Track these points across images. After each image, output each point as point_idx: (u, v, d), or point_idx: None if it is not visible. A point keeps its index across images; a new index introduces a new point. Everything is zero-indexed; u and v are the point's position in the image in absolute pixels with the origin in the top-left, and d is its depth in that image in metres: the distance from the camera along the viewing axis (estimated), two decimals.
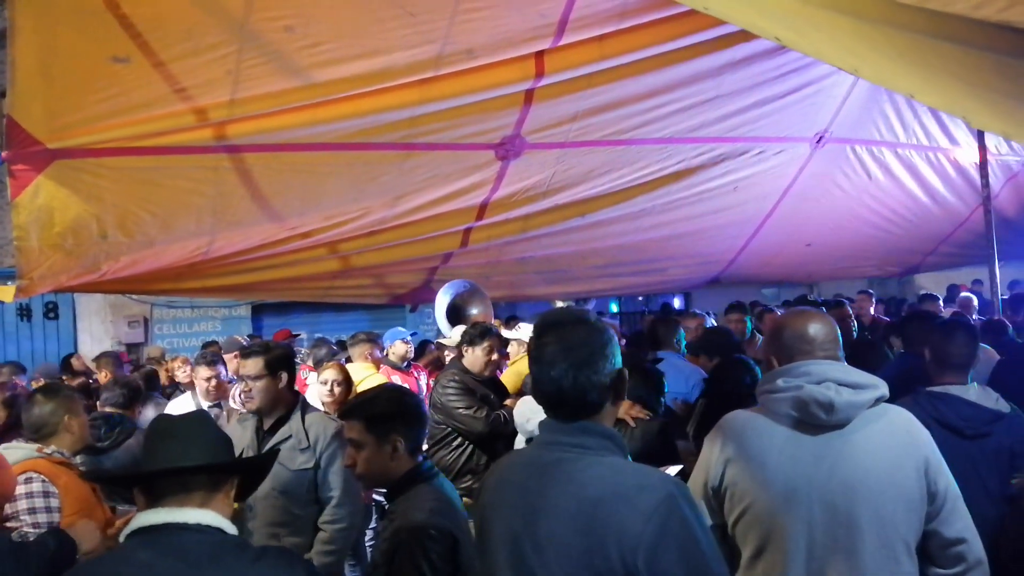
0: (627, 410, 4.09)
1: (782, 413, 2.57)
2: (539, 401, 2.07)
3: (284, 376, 4.08)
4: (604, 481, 1.91)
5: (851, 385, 2.50)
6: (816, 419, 2.50)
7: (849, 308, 6.12)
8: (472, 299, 6.92)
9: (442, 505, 2.78)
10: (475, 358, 5.42)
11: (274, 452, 3.41)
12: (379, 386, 4.63)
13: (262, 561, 2.11)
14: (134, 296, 11.29)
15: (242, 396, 4.10)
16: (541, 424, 2.10)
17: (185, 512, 2.10)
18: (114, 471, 3.73)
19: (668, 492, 1.86)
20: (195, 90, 4.60)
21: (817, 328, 2.63)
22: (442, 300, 6.80)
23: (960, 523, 2.49)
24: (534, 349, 2.04)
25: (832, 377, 2.50)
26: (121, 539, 2.12)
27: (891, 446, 2.48)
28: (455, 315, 6.75)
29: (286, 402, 4.10)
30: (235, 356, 6.47)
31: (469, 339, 5.44)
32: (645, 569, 1.80)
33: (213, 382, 5.89)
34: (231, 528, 2.16)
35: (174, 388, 7.31)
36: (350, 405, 3.20)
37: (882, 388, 2.54)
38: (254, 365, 4.02)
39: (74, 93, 4.46)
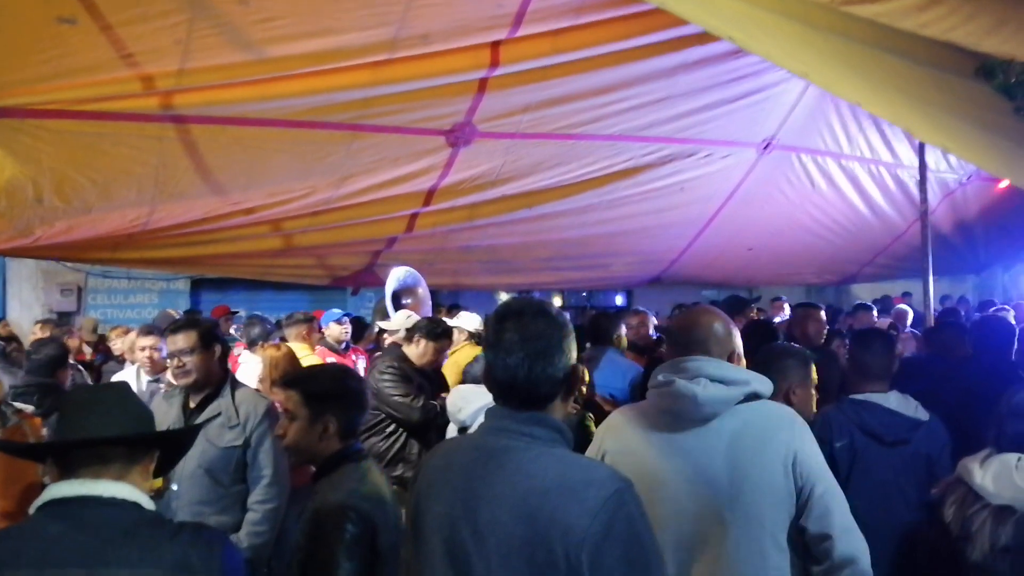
0: None
1: (657, 407, 2.64)
2: (491, 387, 2.06)
3: (217, 349, 4.01)
4: (552, 473, 1.90)
5: (721, 380, 2.54)
6: (684, 413, 2.55)
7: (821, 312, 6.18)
8: (409, 291, 6.92)
9: (365, 488, 2.75)
10: (423, 351, 5.41)
11: (197, 426, 3.36)
12: (328, 364, 4.59)
13: (179, 537, 2.05)
14: (68, 263, 11.05)
15: (175, 372, 4.01)
16: (489, 411, 2.09)
17: (100, 484, 2.04)
18: (26, 443, 3.62)
19: (616, 488, 1.86)
20: (143, 57, 4.49)
21: (701, 326, 2.69)
22: (389, 286, 6.78)
23: (828, 519, 2.51)
24: (492, 335, 2.03)
25: (705, 372, 2.55)
26: (31, 512, 2.05)
27: (757, 440, 2.51)
28: (395, 300, 6.75)
29: (217, 378, 4.03)
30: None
31: (427, 333, 5.41)
32: (588, 565, 1.79)
33: (156, 354, 5.77)
34: (148, 503, 2.10)
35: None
36: (293, 375, 3.18)
37: (756, 384, 2.59)
38: (187, 339, 3.94)
39: (16, 52, 4.31)
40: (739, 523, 2.47)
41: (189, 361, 3.93)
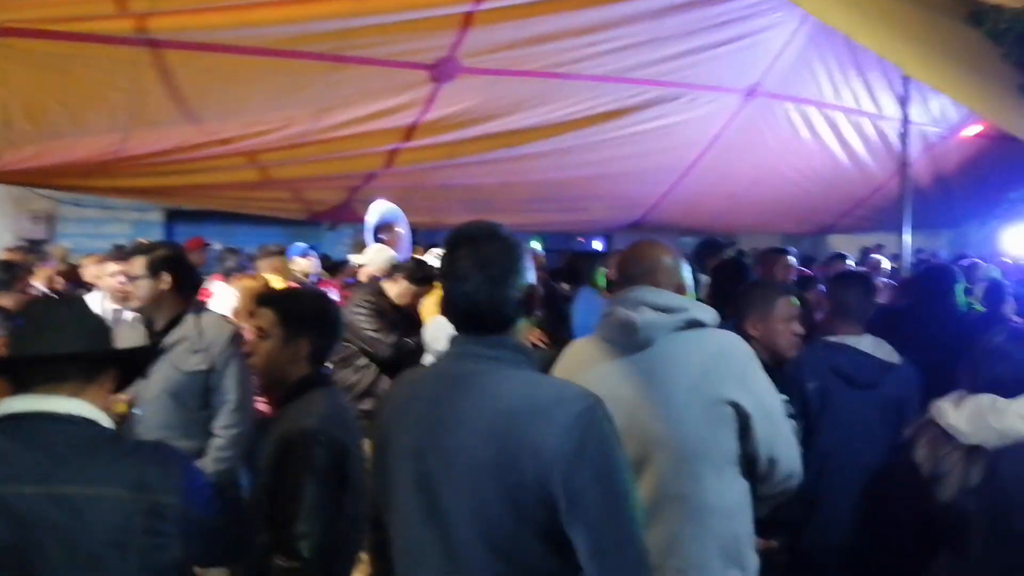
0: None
1: (604, 337, 2.68)
2: (450, 317, 2.03)
3: (166, 277, 3.98)
4: (520, 394, 1.88)
5: (661, 308, 2.56)
6: (623, 339, 2.58)
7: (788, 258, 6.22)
8: (386, 227, 6.87)
9: (333, 412, 2.73)
10: (402, 291, 5.38)
11: (153, 346, 3.30)
12: (307, 288, 4.55)
13: (137, 455, 2.01)
14: (39, 190, 10.86)
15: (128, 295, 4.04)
16: (452, 338, 2.06)
17: (54, 400, 1.97)
18: None
19: (587, 405, 1.85)
20: None
21: (644, 258, 2.73)
22: (371, 219, 6.73)
23: (773, 443, 2.56)
24: (446, 264, 2.00)
25: (646, 301, 2.57)
26: None
27: (694, 365, 2.52)
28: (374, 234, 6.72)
29: (174, 304, 4.02)
30: None
31: (408, 274, 5.38)
32: (561, 483, 1.78)
33: (123, 279, 5.67)
34: (106, 420, 2.04)
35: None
36: (269, 294, 3.13)
37: (695, 312, 2.60)
38: (136, 265, 3.98)
39: None
40: (674, 446, 2.49)
41: (136, 286, 3.98)
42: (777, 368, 3.35)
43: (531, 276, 2.01)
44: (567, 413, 1.82)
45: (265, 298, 3.03)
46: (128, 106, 5.47)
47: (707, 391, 2.50)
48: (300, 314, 2.87)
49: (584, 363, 2.70)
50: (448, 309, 2.03)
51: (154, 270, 3.96)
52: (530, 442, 1.81)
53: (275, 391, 2.93)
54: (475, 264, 1.94)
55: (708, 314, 2.63)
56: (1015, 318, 5.86)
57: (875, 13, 3.68)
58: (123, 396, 3.83)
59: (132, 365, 2.31)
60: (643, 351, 2.56)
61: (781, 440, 2.60)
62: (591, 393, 1.91)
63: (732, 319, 3.47)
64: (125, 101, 5.42)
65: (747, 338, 3.27)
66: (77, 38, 4.72)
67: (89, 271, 7.11)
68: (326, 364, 2.97)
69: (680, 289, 2.70)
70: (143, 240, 8.10)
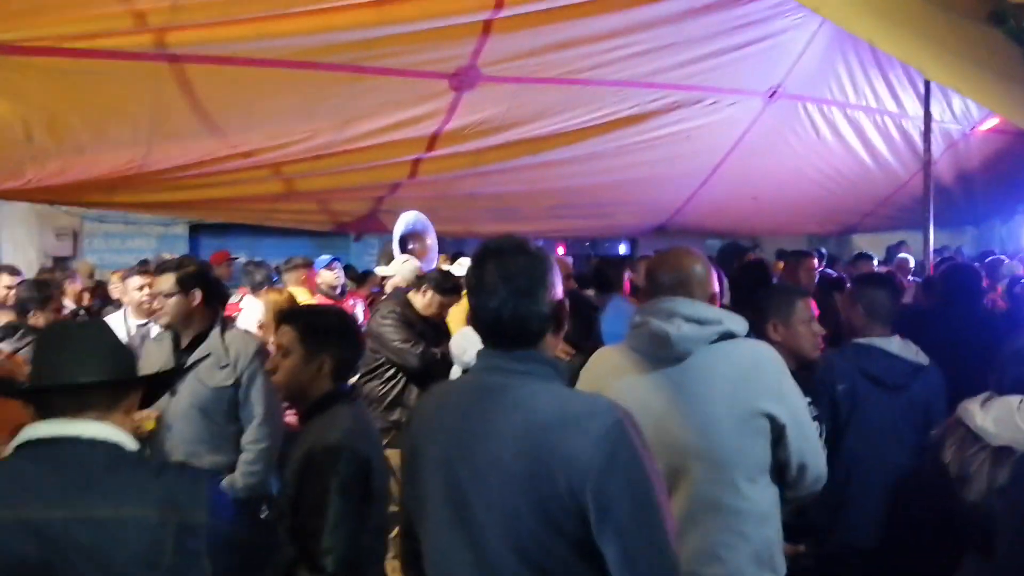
0: None
1: (634, 347, 2.64)
2: (478, 331, 2.02)
3: (197, 293, 3.99)
4: (551, 406, 1.87)
5: (696, 320, 2.53)
6: (657, 352, 2.55)
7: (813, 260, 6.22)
8: (415, 236, 6.87)
9: (359, 427, 2.73)
10: (428, 302, 5.38)
11: (177, 369, 3.31)
12: (326, 304, 4.57)
13: (163, 475, 1.99)
14: (63, 207, 10.94)
15: (157, 312, 4.04)
16: (480, 352, 2.04)
17: (79, 425, 1.96)
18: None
19: (617, 418, 1.83)
20: None
21: (677, 267, 2.68)
22: (398, 229, 6.73)
23: (803, 452, 2.55)
24: (473, 278, 1.98)
25: (680, 312, 2.53)
26: (7, 452, 1.98)
27: (728, 377, 2.50)
28: (402, 244, 6.71)
29: (202, 320, 4.03)
30: None
31: (435, 285, 5.38)
32: (592, 495, 1.77)
33: (146, 291, 5.70)
34: (131, 443, 2.03)
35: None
36: (291, 311, 3.14)
37: (728, 323, 2.56)
38: (166, 281, 3.96)
39: None
40: (710, 457, 2.47)
41: (167, 304, 3.95)
42: (799, 370, 3.33)
43: (559, 291, 1.99)
44: (599, 425, 1.81)
45: (286, 315, 3.02)
46: (150, 120, 5.50)
47: (742, 403, 2.48)
48: (321, 331, 2.86)
49: (613, 373, 2.68)
50: (476, 322, 2.01)
51: (185, 287, 3.96)
52: (562, 454, 1.79)
53: (298, 406, 2.94)
54: (502, 278, 1.92)
55: (740, 325, 2.61)
56: None
57: (895, 17, 3.64)
58: (152, 412, 3.86)
59: (157, 385, 2.32)
60: (677, 363, 2.54)
61: (810, 447, 2.60)
62: (620, 406, 1.90)
63: (752, 324, 3.45)
64: (147, 115, 5.46)
65: (769, 342, 3.28)
66: (97, 54, 4.76)
67: (115, 287, 7.15)
68: (347, 379, 2.97)
69: (712, 299, 2.67)
70: (167, 255, 8.15)
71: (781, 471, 2.58)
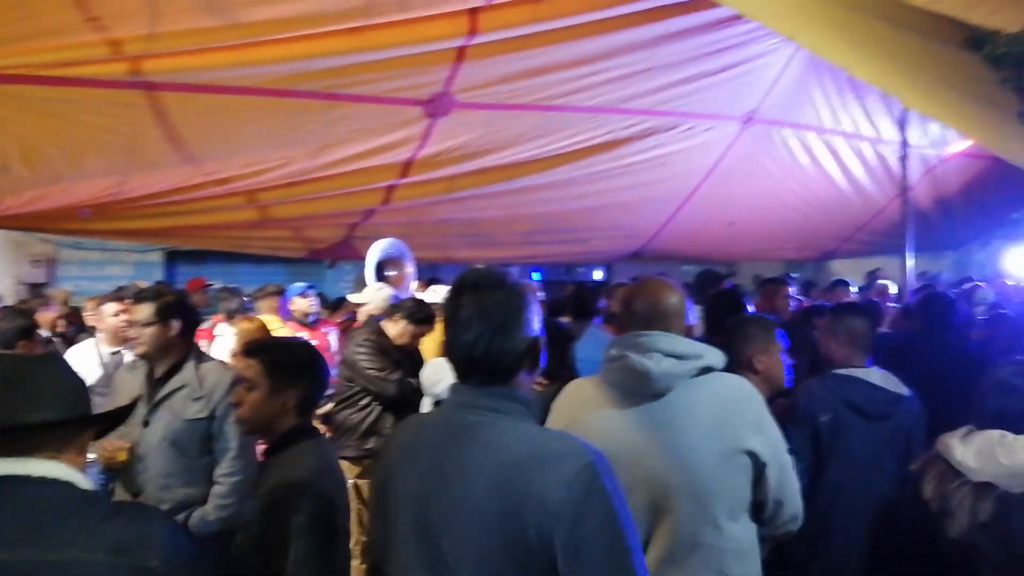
0: None
1: (610, 382, 2.62)
2: (452, 364, 1.99)
3: (175, 324, 3.92)
4: (523, 446, 1.83)
5: (675, 355, 2.51)
6: (637, 388, 2.53)
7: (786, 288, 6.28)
8: (393, 262, 6.85)
9: (322, 465, 2.68)
10: (401, 332, 5.35)
11: (131, 405, 3.23)
12: (294, 337, 4.52)
13: (115, 519, 1.91)
14: (39, 234, 10.86)
15: (133, 342, 3.97)
16: (452, 386, 2.01)
17: (30, 463, 1.90)
18: None
19: (589, 460, 1.80)
20: (110, 20, 4.32)
21: (654, 299, 2.66)
22: (373, 256, 6.70)
23: (781, 488, 2.55)
24: (448, 311, 1.96)
25: (659, 348, 2.51)
26: None
27: (710, 413, 2.49)
28: (376, 272, 6.69)
29: (178, 350, 3.96)
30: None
31: (408, 315, 5.34)
32: (562, 539, 1.73)
33: (122, 317, 5.63)
34: (84, 482, 1.96)
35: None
36: (257, 344, 3.08)
37: (709, 358, 2.55)
38: (144, 310, 3.88)
39: None
40: (692, 496, 2.45)
41: (144, 333, 3.88)
42: (772, 399, 3.33)
43: (537, 327, 1.96)
44: (571, 466, 1.78)
45: (251, 348, 2.96)
46: (125, 148, 5.48)
47: (724, 440, 2.47)
48: (288, 365, 2.82)
49: (589, 408, 2.64)
50: (449, 356, 1.99)
51: (163, 316, 3.89)
52: (533, 495, 1.76)
53: (263, 440, 2.89)
54: (477, 313, 1.90)
55: (718, 358, 2.59)
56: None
57: (871, 44, 3.65)
58: (125, 443, 3.80)
59: (113, 420, 2.25)
60: (659, 399, 2.52)
61: (788, 485, 2.59)
62: (593, 448, 1.87)
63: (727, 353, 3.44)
64: (122, 144, 5.43)
65: (750, 372, 3.28)
66: (72, 83, 4.74)
67: (91, 314, 7.08)
68: (311, 414, 2.93)
69: (688, 331, 2.66)
70: (142, 283, 8.09)
71: (758, 508, 2.57)
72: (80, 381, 2.09)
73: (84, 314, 7.37)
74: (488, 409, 1.91)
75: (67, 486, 1.91)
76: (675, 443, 2.47)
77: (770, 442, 2.52)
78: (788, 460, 2.61)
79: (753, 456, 2.48)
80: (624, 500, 1.84)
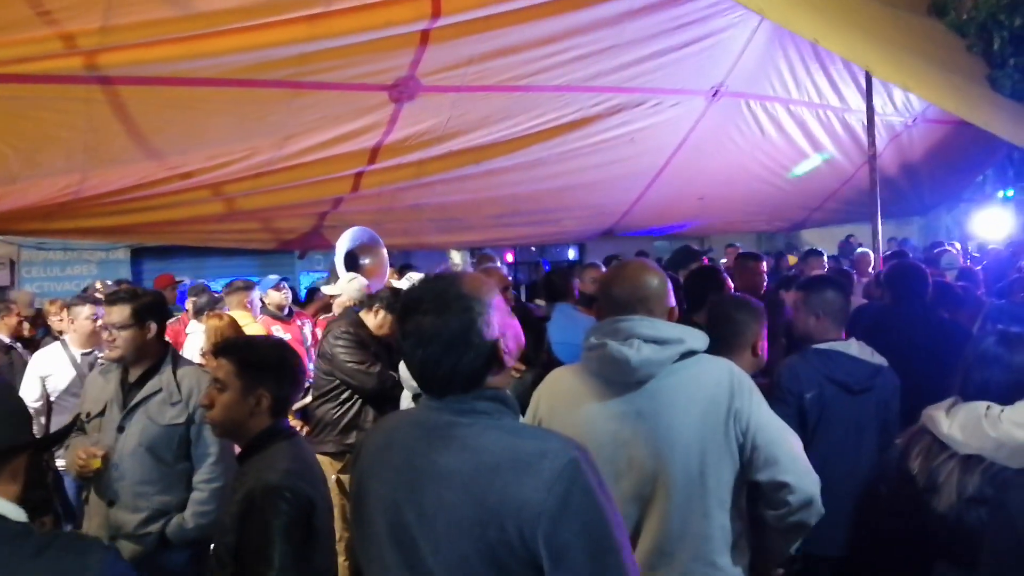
0: None
1: (592, 371, 2.56)
2: (414, 379, 1.93)
3: (152, 326, 3.83)
4: (501, 446, 1.78)
5: (655, 341, 2.45)
6: (618, 376, 2.48)
7: (762, 264, 6.31)
8: (368, 249, 6.78)
9: (299, 466, 2.63)
10: (381, 322, 5.28)
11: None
12: (265, 335, 4.45)
13: (46, 553, 1.80)
14: None
15: (107, 345, 3.86)
16: (422, 398, 1.96)
17: None
18: None
19: (571, 458, 1.74)
20: (61, 14, 4.20)
21: (633, 282, 2.59)
22: (342, 246, 6.62)
23: (777, 467, 2.47)
24: (400, 328, 1.89)
25: (638, 333, 2.46)
26: None
27: (695, 399, 2.45)
28: (351, 262, 6.60)
29: (154, 353, 3.87)
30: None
31: (387, 305, 5.27)
32: (545, 541, 1.68)
33: (98, 321, 5.55)
34: (14, 513, 1.85)
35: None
36: (227, 343, 3.02)
37: (691, 341, 2.50)
38: (120, 313, 3.77)
39: None
40: (680, 484, 2.41)
41: (120, 336, 3.78)
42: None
43: (496, 330, 1.87)
44: (550, 467, 1.72)
45: (222, 348, 2.91)
46: (84, 145, 5.34)
47: (710, 425, 2.43)
48: (260, 363, 2.76)
49: (572, 399, 2.59)
50: (410, 371, 1.92)
51: (140, 319, 3.79)
52: (512, 498, 1.71)
53: (236, 442, 2.83)
54: (432, 328, 1.82)
55: (701, 341, 2.54)
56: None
57: (839, 16, 3.65)
58: (99, 450, 3.72)
59: (52, 442, 2.16)
60: (641, 387, 2.47)
61: (791, 466, 2.50)
62: (575, 444, 1.81)
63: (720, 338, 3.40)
64: (81, 140, 5.29)
65: (752, 355, 3.26)
66: (25, 80, 4.61)
67: (55, 317, 6.96)
68: (286, 413, 2.87)
69: (670, 314, 2.59)
70: (108, 282, 7.97)
71: (762, 494, 2.51)
72: (7, 408, 1.97)
73: (49, 317, 7.24)
74: (462, 410, 1.86)
75: None
76: (660, 431, 2.43)
77: (756, 421, 2.47)
78: (789, 441, 2.53)
79: (742, 440, 2.45)
80: (610, 496, 1.79)
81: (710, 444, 2.42)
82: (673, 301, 2.64)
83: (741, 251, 7.85)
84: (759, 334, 3.34)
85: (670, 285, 2.65)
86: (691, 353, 2.50)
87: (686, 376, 2.47)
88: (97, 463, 3.70)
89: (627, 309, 2.54)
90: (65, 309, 6.41)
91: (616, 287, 2.61)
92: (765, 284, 6.33)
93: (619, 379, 2.48)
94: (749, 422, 2.46)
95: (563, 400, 2.62)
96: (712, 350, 2.60)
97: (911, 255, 9.70)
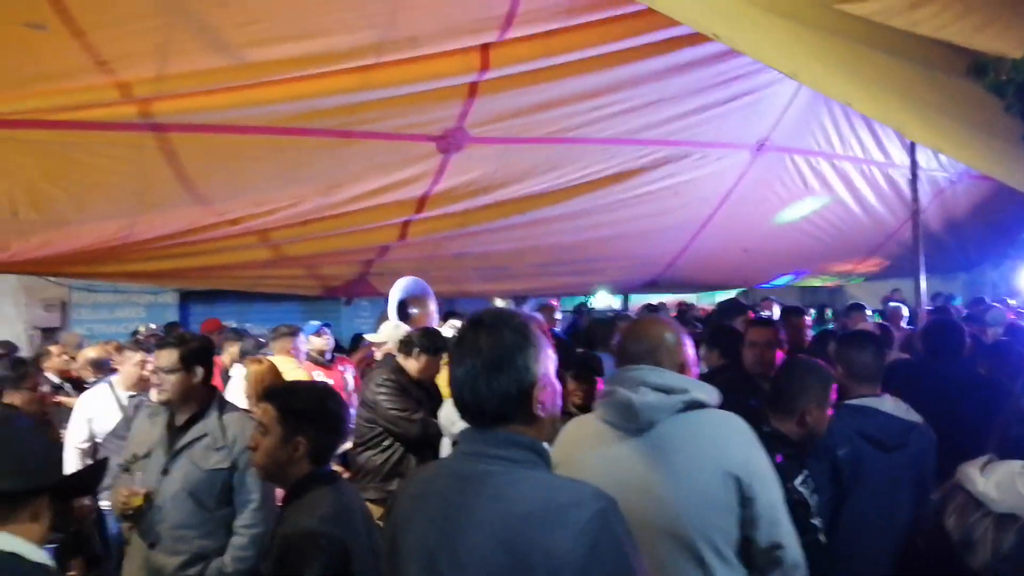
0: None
1: (602, 418, 2.62)
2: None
3: (199, 371, 3.88)
4: (533, 496, 1.81)
5: (662, 389, 2.49)
6: (624, 422, 2.52)
7: (806, 318, 6.27)
8: (417, 300, 6.83)
9: (336, 512, 2.64)
10: (424, 366, 5.29)
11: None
12: (311, 382, 4.48)
13: None
14: (51, 278, 10.86)
15: (156, 389, 3.92)
16: (462, 433, 1.99)
17: None
18: None
19: (599, 508, 1.77)
20: (118, 63, 4.29)
21: (646, 336, 2.66)
22: (394, 295, 6.68)
23: (776, 529, 2.48)
24: (453, 347, 1.96)
25: (646, 381, 2.50)
26: None
27: (694, 450, 2.46)
28: (401, 311, 6.65)
29: (200, 398, 3.91)
30: None
31: (421, 347, 5.28)
32: None
33: (148, 367, 5.62)
34: (33, 553, 1.86)
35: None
36: (272, 389, 3.07)
37: (696, 392, 2.53)
38: (168, 357, 3.83)
39: None
40: (679, 536, 2.42)
41: (167, 380, 3.83)
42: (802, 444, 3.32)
43: (539, 369, 1.90)
44: (579, 517, 1.75)
45: (267, 392, 2.97)
46: (134, 191, 5.45)
47: (708, 476, 2.43)
48: (300, 410, 2.79)
49: (582, 445, 2.65)
50: (451, 390, 1.97)
51: (187, 364, 3.85)
52: (542, 546, 1.73)
53: (280, 486, 2.85)
54: (472, 350, 1.89)
55: (709, 394, 2.57)
56: None
57: (873, 78, 3.63)
58: (140, 489, 3.75)
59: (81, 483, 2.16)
60: (644, 434, 2.50)
61: (784, 528, 2.53)
62: (604, 494, 1.83)
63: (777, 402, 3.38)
64: (131, 186, 5.40)
65: (796, 424, 3.26)
66: (81, 126, 4.70)
67: (87, 358, 7.05)
68: (327, 461, 2.88)
69: (683, 367, 2.63)
70: (152, 326, 8.08)
71: (756, 553, 2.51)
72: (29, 448, 1.99)
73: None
74: (497, 458, 1.88)
75: (14, 558, 1.82)
76: (660, 480, 2.45)
77: (759, 480, 2.48)
78: (783, 503, 2.55)
79: (740, 493, 2.44)
80: (636, 545, 1.82)
81: (711, 497, 2.42)
82: (687, 356, 2.68)
83: (785, 306, 7.81)
84: (813, 403, 3.34)
85: (685, 340, 2.71)
86: (698, 404, 2.53)
87: (691, 427, 2.50)
88: (139, 501, 3.74)
89: (638, 360, 2.60)
90: (118, 351, 6.51)
91: (630, 340, 2.70)
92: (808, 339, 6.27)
93: (624, 424, 2.53)
94: (753, 479, 2.46)
95: (576, 446, 2.67)
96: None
97: (953, 311, 9.59)
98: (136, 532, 3.83)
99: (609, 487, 2.34)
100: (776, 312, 9.50)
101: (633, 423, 2.50)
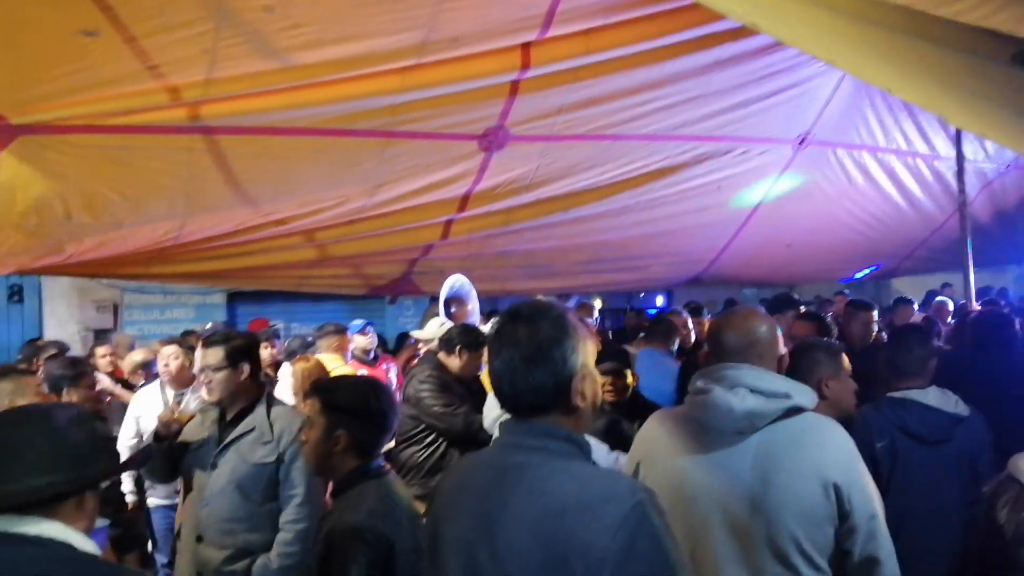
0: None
1: (693, 416, 2.53)
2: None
3: (245, 367, 3.95)
4: (569, 490, 1.79)
5: (762, 392, 2.42)
6: (720, 424, 2.45)
7: (873, 313, 6.12)
8: (458, 300, 6.89)
9: (383, 507, 2.65)
10: (465, 362, 5.34)
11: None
12: (358, 376, 4.56)
13: None
14: (103, 280, 11.08)
15: (205, 386, 4.02)
16: (502, 424, 1.99)
17: (24, 523, 1.85)
18: None
19: (636, 501, 1.75)
20: (168, 68, 4.39)
21: (743, 329, 2.57)
22: (443, 293, 6.76)
23: (873, 543, 2.42)
24: (492, 339, 1.96)
25: (744, 382, 2.43)
26: None
27: (794, 458, 2.40)
28: (446, 309, 6.73)
29: (248, 394, 3.98)
30: None
31: (463, 343, 5.33)
32: None
33: (174, 364, 5.79)
34: (83, 542, 1.90)
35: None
36: (318, 383, 3.12)
37: (797, 398, 2.46)
38: (214, 355, 3.91)
39: (39, 66, 4.22)
40: (771, 543, 2.38)
41: (215, 378, 3.90)
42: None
43: (578, 361, 1.90)
44: (616, 511, 1.73)
45: (313, 386, 3.02)
46: (185, 192, 5.56)
47: (810, 486, 2.38)
48: (339, 406, 2.83)
49: (667, 444, 2.58)
50: (491, 380, 1.98)
51: (233, 361, 3.91)
52: (579, 542, 1.72)
53: (328, 480, 2.89)
54: (510, 341, 1.89)
55: (809, 398, 2.50)
56: None
57: (914, 64, 3.60)
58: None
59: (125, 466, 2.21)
60: (744, 439, 2.45)
61: (883, 542, 2.45)
62: (642, 487, 1.82)
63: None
64: (182, 187, 5.51)
65: (818, 397, 3.20)
66: (133, 130, 4.81)
67: (133, 362, 7.18)
68: (374, 455, 2.90)
69: (780, 362, 2.57)
70: (202, 325, 8.21)
71: (849, 564, 2.45)
72: (77, 441, 2.01)
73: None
74: (535, 449, 1.88)
75: (64, 547, 1.87)
76: (754, 485, 2.40)
77: (859, 490, 2.42)
78: (882, 516, 2.48)
79: (840, 506, 2.39)
80: (675, 539, 1.79)
81: (807, 506, 2.37)
82: (783, 349, 2.62)
83: (851, 299, 7.67)
84: (827, 374, 3.32)
85: (779, 334, 2.63)
86: (797, 410, 2.46)
87: (792, 435, 2.44)
88: (186, 417, 4.02)
89: (736, 356, 2.52)
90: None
91: (726, 333, 2.59)
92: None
93: (719, 426, 2.46)
94: (853, 492, 2.41)
95: (661, 446, 2.60)
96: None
97: (1006, 304, 9.46)
98: (185, 527, 3.92)
99: (700, 492, 2.36)
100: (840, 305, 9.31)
101: (730, 426, 2.44)
